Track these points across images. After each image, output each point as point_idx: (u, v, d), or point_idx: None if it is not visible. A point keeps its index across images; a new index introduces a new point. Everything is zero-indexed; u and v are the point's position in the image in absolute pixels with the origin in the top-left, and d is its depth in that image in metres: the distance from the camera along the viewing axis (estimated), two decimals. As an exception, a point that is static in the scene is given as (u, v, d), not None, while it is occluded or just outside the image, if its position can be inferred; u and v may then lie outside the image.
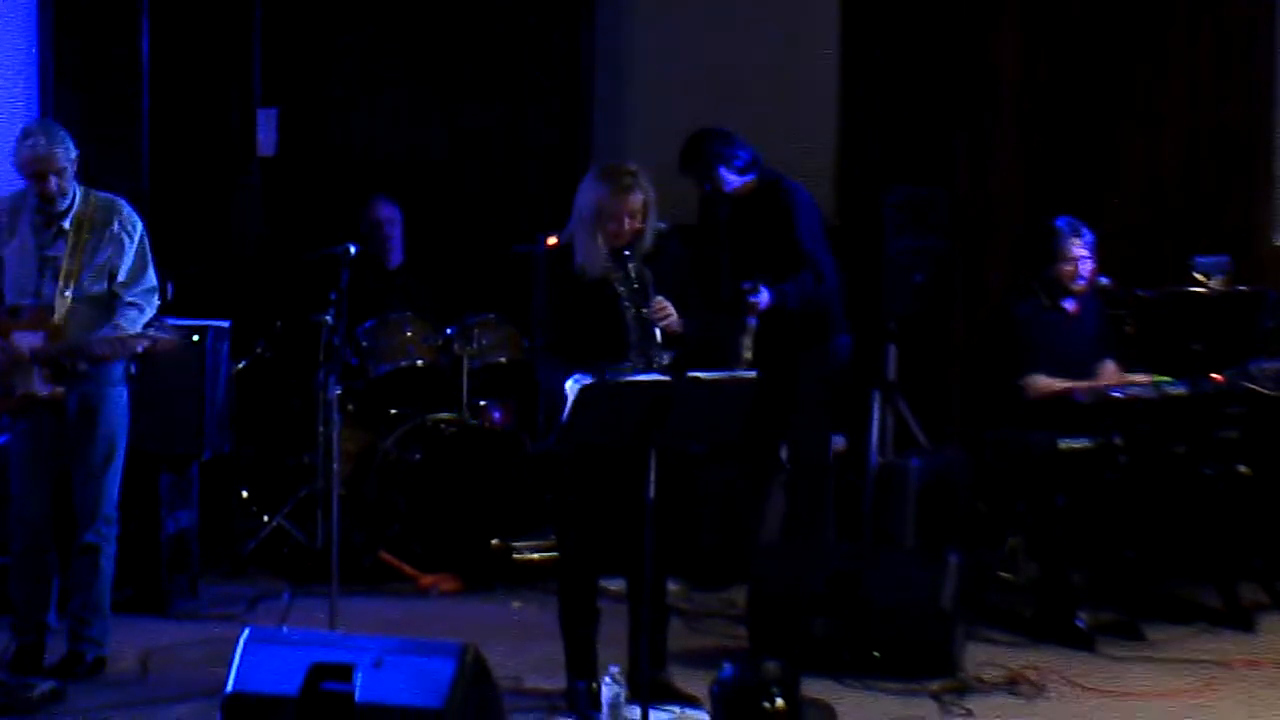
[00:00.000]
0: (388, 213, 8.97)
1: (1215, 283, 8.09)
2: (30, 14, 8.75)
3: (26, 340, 6.40)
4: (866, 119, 9.41)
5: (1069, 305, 7.56)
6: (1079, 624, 7.03)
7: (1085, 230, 7.51)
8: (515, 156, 9.85)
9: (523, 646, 6.53)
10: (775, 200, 7.56)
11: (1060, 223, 7.53)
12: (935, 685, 6.39)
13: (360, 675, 5.08)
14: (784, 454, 7.82)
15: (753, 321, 7.25)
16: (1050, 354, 7.44)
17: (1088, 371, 7.46)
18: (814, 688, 6.12)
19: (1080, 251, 7.49)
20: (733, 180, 7.58)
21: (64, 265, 6.44)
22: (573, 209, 6.19)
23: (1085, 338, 7.56)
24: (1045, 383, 7.40)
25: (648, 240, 6.19)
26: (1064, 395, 7.31)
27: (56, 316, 6.41)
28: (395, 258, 8.96)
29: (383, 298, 8.63)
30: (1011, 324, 7.59)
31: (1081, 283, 7.52)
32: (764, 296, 7.27)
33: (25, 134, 6.50)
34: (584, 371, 5.82)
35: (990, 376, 7.66)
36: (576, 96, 9.85)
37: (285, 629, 6.60)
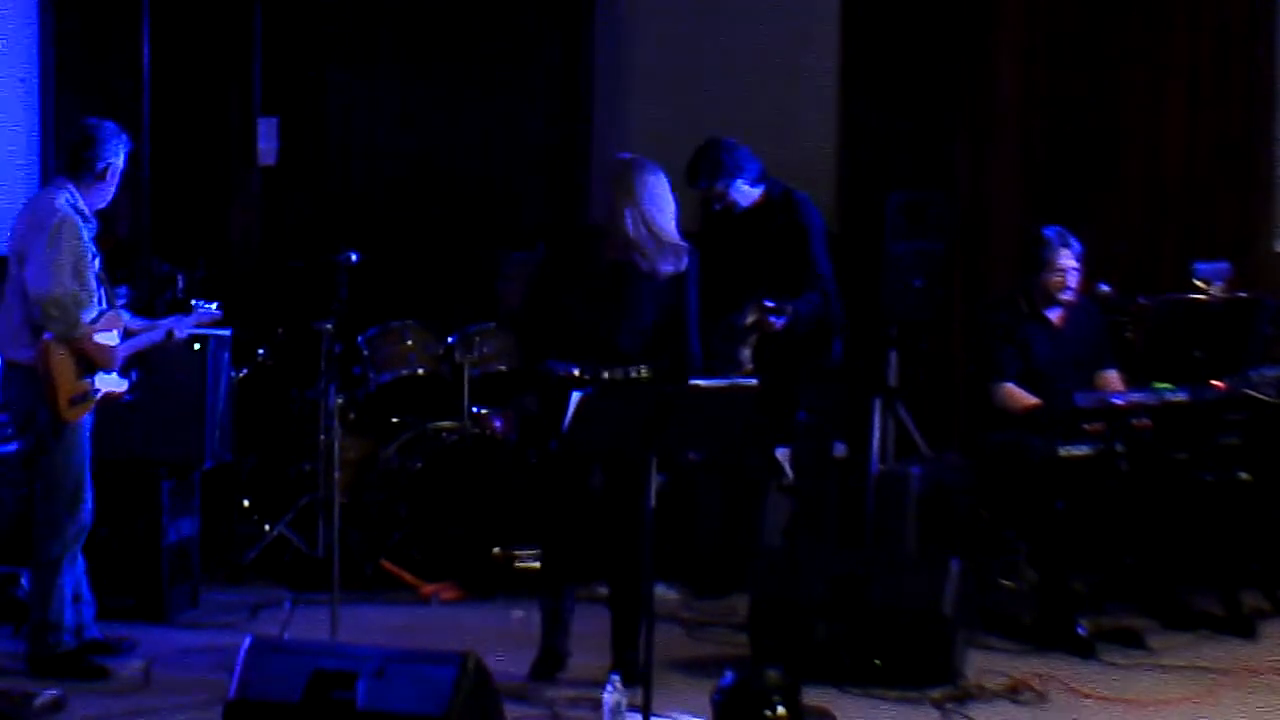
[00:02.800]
0: None
1: (1215, 289, 8.07)
2: (31, 18, 8.75)
3: (111, 341, 6.49)
4: (867, 122, 9.39)
5: (1052, 315, 7.52)
6: (1080, 631, 7.03)
7: (1074, 241, 7.46)
8: (515, 160, 9.83)
9: (523, 654, 6.53)
10: (790, 214, 7.48)
11: (1049, 232, 7.47)
12: (936, 692, 6.39)
13: (362, 683, 5.09)
14: (786, 461, 7.84)
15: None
16: (1026, 362, 7.42)
17: (1071, 381, 7.39)
18: (815, 695, 6.12)
19: (1068, 263, 7.43)
20: (748, 194, 7.48)
21: (103, 271, 6.55)
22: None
23: (1069, 348, 7.51)
24: (1014, 394, 7.39)
25: None
26: (1030, 411, 7.30)
27: (123, 319, 6.57)
28: None
29: None
30: (983, 330, 7.59)
31: (1068, 294, 7.47)
32: (782, 319, 7.25)
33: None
34: None
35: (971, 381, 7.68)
36: (576, 97, 9.84)
37: (287, 637, 6.62)
